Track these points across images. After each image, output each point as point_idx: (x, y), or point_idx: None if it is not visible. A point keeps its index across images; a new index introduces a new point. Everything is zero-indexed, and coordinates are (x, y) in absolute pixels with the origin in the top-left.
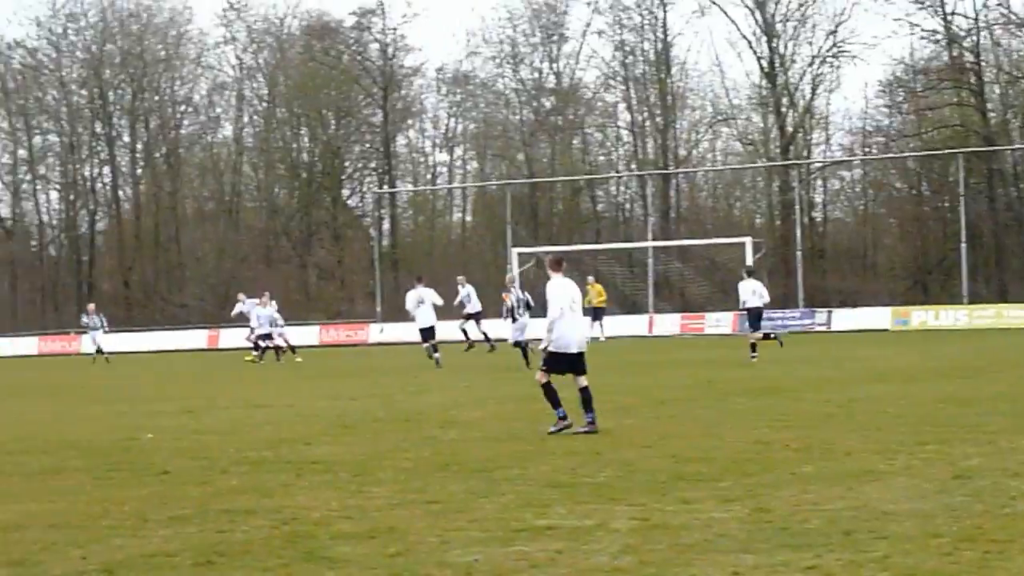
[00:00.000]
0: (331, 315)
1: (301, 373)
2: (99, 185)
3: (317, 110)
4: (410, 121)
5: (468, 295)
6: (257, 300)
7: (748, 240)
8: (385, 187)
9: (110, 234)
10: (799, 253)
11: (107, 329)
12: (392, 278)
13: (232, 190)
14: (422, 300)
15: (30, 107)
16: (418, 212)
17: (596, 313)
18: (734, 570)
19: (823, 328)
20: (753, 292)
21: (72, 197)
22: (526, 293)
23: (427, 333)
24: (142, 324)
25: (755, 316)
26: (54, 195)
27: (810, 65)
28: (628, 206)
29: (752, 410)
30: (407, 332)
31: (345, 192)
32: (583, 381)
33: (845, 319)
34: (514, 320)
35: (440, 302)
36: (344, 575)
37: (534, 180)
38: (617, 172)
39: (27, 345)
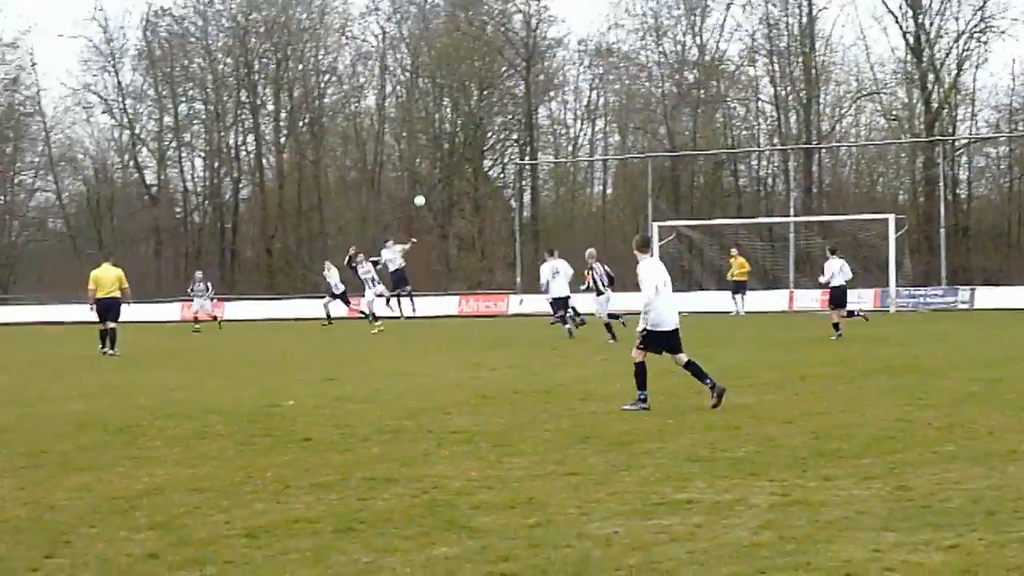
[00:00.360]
0: (471, 286)
1: (440, 344)
2: (243, 153)
3: (460, 81)
4: (552, 93)
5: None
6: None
7: (891, 217)
8: (526, 159)
9: (253, 202)
10: (943, 230)
11: (213, 296)
12: (532, 249)
13: (374, 160)
14: (557, 271)
15: (176, 75)
16: (559, 184)
17: (737, 286)
18: (875, 548)
19: (966, 306)
20: (840, 270)
21: (216, 165)
22: (606, 268)
23: (561, 303)
24: (283, 292)
25: (841, 294)
26: (199, 163)
27: (956, 40)
28: (770, 181)
29: (893, 388)
30: (546, 304)
31: (486, 163)
32: (683, 359)
33: (988, 297)
34: (599, 294)
35: (571, 272)
36: (484, 544)
37: (676, 153)
38: (759, 146)
39: (170, 311)
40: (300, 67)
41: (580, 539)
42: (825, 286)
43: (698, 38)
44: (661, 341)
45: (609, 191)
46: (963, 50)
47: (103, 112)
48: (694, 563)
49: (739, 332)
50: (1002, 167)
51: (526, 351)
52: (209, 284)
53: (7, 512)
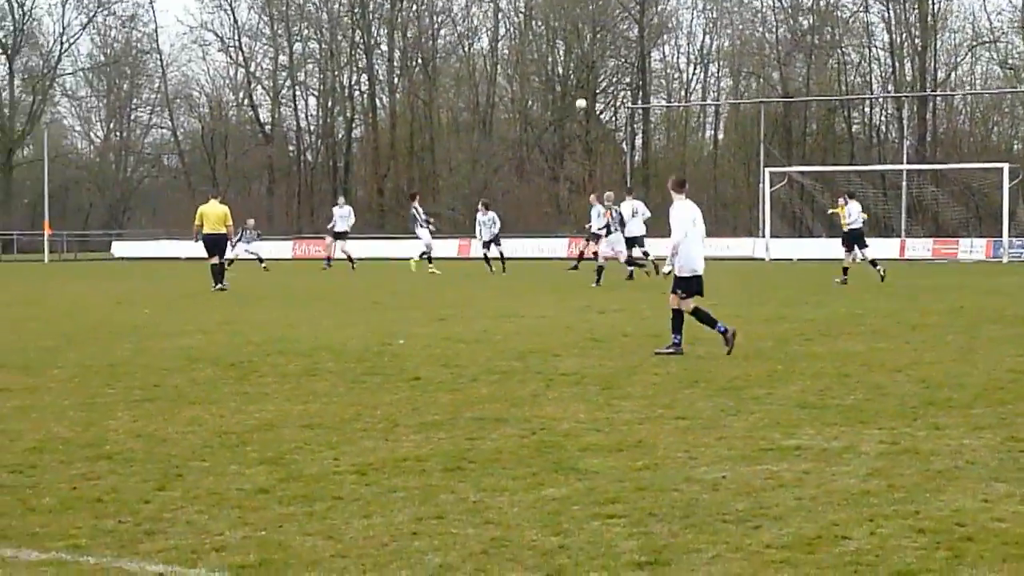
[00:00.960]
0: (581, 228)
1: (550, 286)
2: (356, 93)
3: (573, 23)
4: (665, 37)
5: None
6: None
7: (1005, 166)
8: (639, 102)
9: (366, 142)
10: None
11: (251, 239)
12: (644, 193)
13: (487, 101)
14: (636, 211)
15: (292, 14)
16: (671, 128)
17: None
18: (984, 497)
19: None
20: (859, 212)
21: (330, 104)
22: (620, 211)
23: (637, 242)
24: (395, 232)
25: (858, 235)
26: (312, 101)
27: None
28: (883, 128)
29: (1005, 338)
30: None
31: (599, 106)
32: (689, 304)
33: None
34: (608, 234)
35: (648, 213)
36: (592, 486)
37: (789, 99)
38: (873, 93)
39: (283, 249)
40: (414, 7)
41: (688, 483)
42: (846, 229)
43: None
44: (696, 284)
45: (721, 136)
46: None
47: (219, 50)
48: (802, 509)
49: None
50: None
51: (635, 294)
52: (257, 232)
53: (121, 444)
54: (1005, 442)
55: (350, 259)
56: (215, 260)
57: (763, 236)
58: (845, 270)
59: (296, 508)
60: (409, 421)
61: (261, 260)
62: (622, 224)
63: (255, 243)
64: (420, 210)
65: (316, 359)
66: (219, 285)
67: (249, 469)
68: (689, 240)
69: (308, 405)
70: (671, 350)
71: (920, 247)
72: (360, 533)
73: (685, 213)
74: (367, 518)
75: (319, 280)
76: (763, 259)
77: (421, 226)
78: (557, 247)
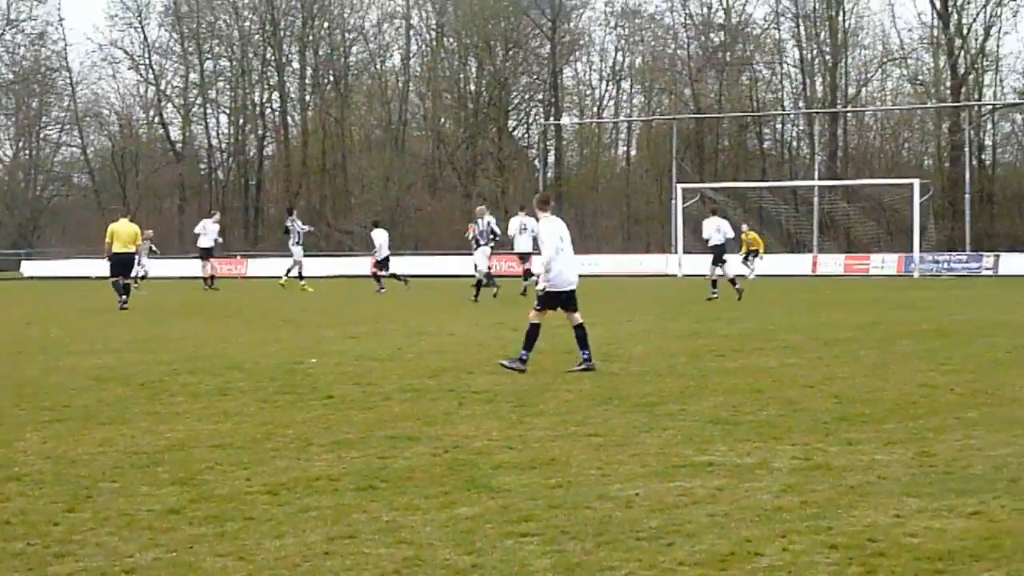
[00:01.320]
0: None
1: (463, 303)
2: (268, 110)
3: (485, 40)
4: (577, 53)
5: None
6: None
7: (916, 182)
8: (551, 119)
9: (277, 159)
10: (967, 196)
11: (150, 256)
12: (557, 209)
13: (399, 119)
14: (524, 227)
15: (202, 31)
16: (583, 145)
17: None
18: (896, 513)
19: (990, 272)
20: (717, 230)
21: (241, 121)
22: (491, 224)
23: (524, 258)
24: (307, 250)
25: (719, 254)
26: (223, 119)
27: (984, 6)
28: (795, 144)
29: (917, 353)
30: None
31: (511, 123)
32: (577, 318)
33: (1013, 263)
34: (477, 246)
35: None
36: (506, 504)
37: (700, 115)
38: (784, 109)
39: (194, 267)
40: (326, 25)
41: (601, 500)
42: (706, 243)
43: (724, 0)
44: (557, 300)
45: (633, 153)
46: (990, 15)
47: (129, 68)
48: (715, 526)
49: (761, 294)
50: None
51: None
52: (152, 245)
53: (30, 466)
54: (917, 457)
55: (211, 278)
56: (120, 278)
57: (676, 252)
58: (714, 283)
59: (207, 529)
60: (321, 440)
61: (142, 278)
62: (493, 237)
63: (147, 260)
64: (299, 222)
65: (228, 378)
66: (124, 301)
67: (160, 490)
68: (561, 255)
69: (220, 424)
70: (514, 366)
71: (832, 263)
72: (272, 554)
73: (552, 228)
74: (279, 538)
75: (232, 297)
76: (676, 275)
77: (296, 243)
78: (470, 264)
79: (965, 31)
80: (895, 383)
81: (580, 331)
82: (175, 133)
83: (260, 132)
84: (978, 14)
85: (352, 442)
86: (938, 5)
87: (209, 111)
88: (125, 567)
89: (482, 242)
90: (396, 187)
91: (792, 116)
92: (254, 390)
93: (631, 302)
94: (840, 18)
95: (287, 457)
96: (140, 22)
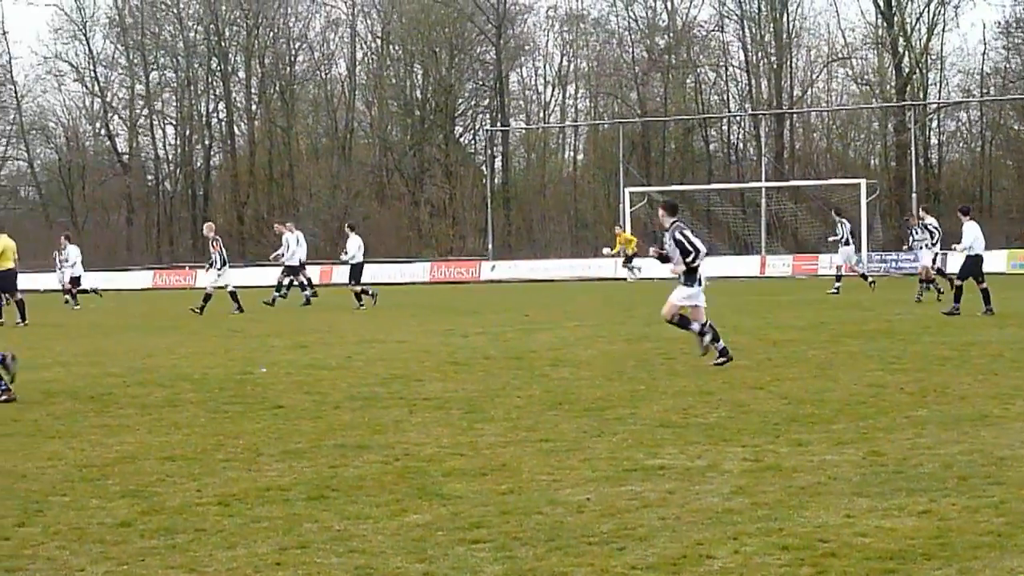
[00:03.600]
0: (442, 252)
1: (412, 311)
2: (214, 121)
3: (430, 47)
4: (523, 59)
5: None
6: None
7: (863, 181)
8: (497, 125)
9: (224, 169)
10: (914, 195)
11: (70, 264)
12: (504, 216)
13: (345, 126)
14: (300, 240)
15: (147, 43)
16: (530, 150)
17: (628, 258)
18: (847, 513)
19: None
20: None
21: (188, 132)
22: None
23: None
24: (256, 258)
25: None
26: (170, 130)
27: (927, 5)
28: (741, 146)
29: (865, 352)
30: (518, 270)
31: (458, 129)
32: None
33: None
34: (222, 266)
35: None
36: (456, 511)
37: (647, 119)
38: (730, 112)
39: (142, 279)
40: (271, 34)
41: (552, 506)
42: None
43: (668, 3)
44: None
45: (580, 157)
46: (934, 14)
47: (74, 80)
48: (666, 529)
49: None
50: (973, 131)
51: (497, 317)
52: (78, 252)
53: None
54: (867, 457)
55: (74, 295)
56: (18, 296)
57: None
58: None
59: (159, 541)
60: (272, 450)
61: (72, 290)
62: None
63: (74, 268)
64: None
65: (177, 389)
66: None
67: (111, 503)
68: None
69: (170, 436)
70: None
71: (780, 264)
72: (223, 565)
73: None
74: (230, 549)
75: (181, 308)
76: (625, 279)
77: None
78: (418, 272)
79: (909, 30)
80: (844, 383)
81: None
82: (122, 145)
83: (207, 143)
84: (921, 13)
85: (302, 451)
86: (881, 5)
87: (155, 122)
88: None
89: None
90: (344, 195)
91: (738, 118)
92: (203, 401)
93: (579, 306)
94: (784, 19)
95: (237, 468)
96: (85, 34)
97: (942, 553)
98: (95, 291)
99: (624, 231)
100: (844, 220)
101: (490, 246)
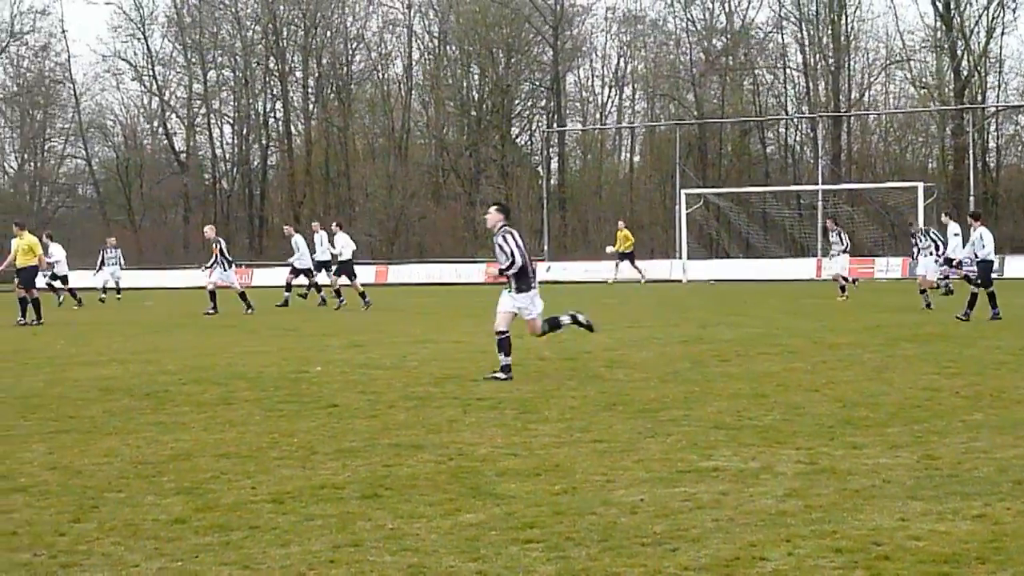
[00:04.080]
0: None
1: (466, 311)
2: (271, 120)
3: (487, 47)
4: (579, 60)
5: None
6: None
7: (920, 185)
8: (554, 126)
9: (281, 169)
10: (972, 199)
11: (124, 266)
12: (559, 217)
13: (402, 127)
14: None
15: (205, 42)
16: (586, 151)
17: (623, 256)
18: (901, 516)
19: (995, 275)
20: (345, 242)
21: (245, 131)
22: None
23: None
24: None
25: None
26: (227, 129)
27: (986, 7)
28: (798, 148)
29: (921, 356)
30: (573, 271)
31: (514, 130)
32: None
33: (1018, 266)
34: (227, 267)
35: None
36: (509, 511)
37: (703, 121)
38: (788, 114)
39: (198, 277)
40: (328, 34)
41: (605, 506)
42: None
43: (726, 5)
44: None
45: (636, 159)
46: (992, 17)
47: (132, 79)
48: (720, 531)
49: (768, 297)
50: None
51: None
52: (120, 252)
53: (36, 477)
54: (921, 460)
55: (56, 292)
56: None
57: (680, 258)
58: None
59: (213, 538)
60: (326, 448)
61: (116, 289)
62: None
63: (118, 268)
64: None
65: (232, 387)
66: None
67: (165, 499)
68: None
69: (224, 434)
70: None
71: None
72: (277, 562)
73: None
74: (284, 547)
75: (236, 307)
76: (680, 280)
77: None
78: (473, 272)
79: (968, 33)
80: (899, 386)
81: None
82: (179, 144)
83: (264, 142)
84: (980, 16)
85: (356, 450)
86: (940, 7)
87: (213, 121)
88: None
89: (226, 267)
90: (400, 195)
91: (795, 120)
92: (258, 399)
93: (634, 308)
94: (843, 22)
95: (292, 466)
96: (143, 33)
97: (996, 557)
98: (109, 291)
99: (623, 229)
100: (841, 229)
101: (545, 247)
